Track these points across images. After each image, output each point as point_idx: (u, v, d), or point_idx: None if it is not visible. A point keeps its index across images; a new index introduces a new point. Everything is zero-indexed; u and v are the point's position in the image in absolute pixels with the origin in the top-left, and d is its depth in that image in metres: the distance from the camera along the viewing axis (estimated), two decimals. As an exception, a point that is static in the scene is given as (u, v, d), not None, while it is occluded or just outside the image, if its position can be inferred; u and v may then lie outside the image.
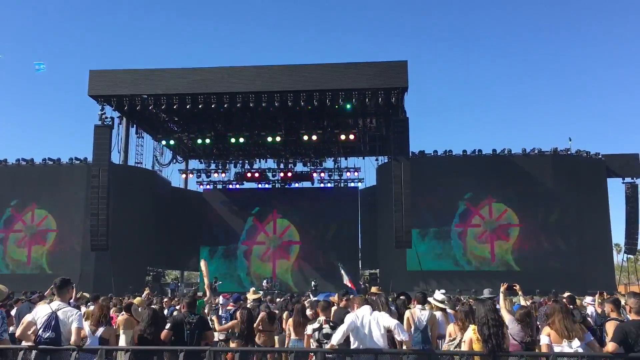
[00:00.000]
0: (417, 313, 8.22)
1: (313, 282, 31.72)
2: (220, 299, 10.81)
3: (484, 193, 33.73)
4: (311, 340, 7.58)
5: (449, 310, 8.97)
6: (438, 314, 8.64)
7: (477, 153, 34.54)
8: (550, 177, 33.56)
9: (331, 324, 7.63)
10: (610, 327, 6.95)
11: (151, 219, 35.22)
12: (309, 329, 7.66)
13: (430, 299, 8.99)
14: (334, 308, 11.42)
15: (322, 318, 7.68)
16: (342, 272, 15.20)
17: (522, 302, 8.71)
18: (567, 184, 33.40)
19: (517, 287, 8.47)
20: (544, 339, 6.11)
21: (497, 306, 7.19)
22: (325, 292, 16.73)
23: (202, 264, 10.51)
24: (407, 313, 8.30)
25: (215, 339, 8.73)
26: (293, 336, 9.44)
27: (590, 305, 12.26)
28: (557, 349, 5.94)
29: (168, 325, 7.45)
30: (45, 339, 6.20)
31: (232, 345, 8.74)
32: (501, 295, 7.81)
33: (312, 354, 7.32)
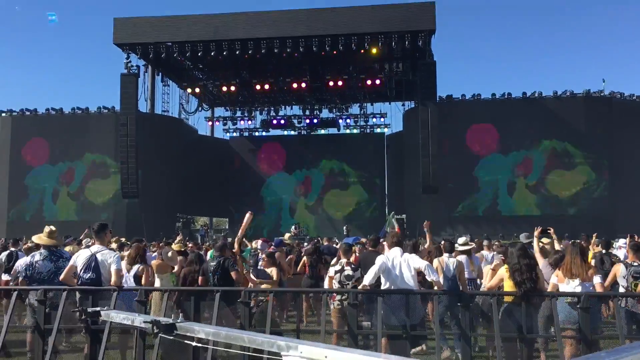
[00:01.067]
0: (446, 260, 8.31)
1: (345, 227, 32.36)
2: (259, 244, 10.94)
3: (515, 137, 33.30)
4: (333, 281, 7.74)
5: (474, 254, 9.06)
6: (462, 257, 8.72)
7: (506, 96, 33.85)
8: (583, 119, 32.82)
9: (352, 266, 7.76)
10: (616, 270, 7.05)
11: (179, 167, 35.67)
12: (331, 270, 7.82)
13: (456, 245, 9.08)
14: (356, 251, 11.69)
15: (343, 260, 7.83)
16: (394, 221, 15.44)
17: (557, 247, 8.72)
18: (601, 126, 32.66)
19: (552, 230, 8.47)
20: (552, 279, 6.34)
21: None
22: (354, 237, 16.96)
23: (247, 215, 10.61)
24: (435, 261, 8.38)
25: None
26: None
27: (622, 248, 12.21)
28: (560, 288, 6.17)
29: (202, 272, 7.76)
30: (86, 279, 6.48)
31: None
32: (535, 239, 7.83)
33: (335, 294, 7.47)
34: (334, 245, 14.58)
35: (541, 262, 7.33)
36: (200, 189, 37.46)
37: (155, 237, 24.64)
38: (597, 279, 6.12)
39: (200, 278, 7.73)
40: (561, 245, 8.89)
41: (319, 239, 20.43)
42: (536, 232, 7.90)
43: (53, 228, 7.37)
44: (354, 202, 38.16)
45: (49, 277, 6.93)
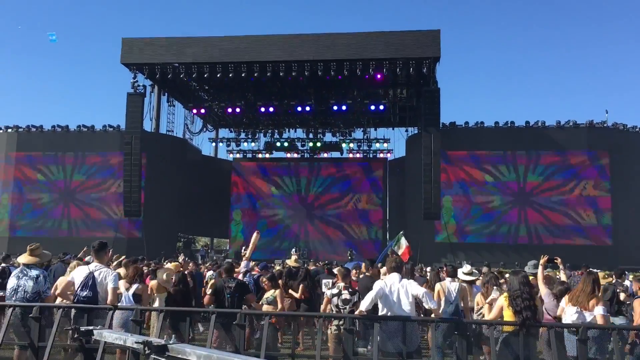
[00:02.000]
0: (448, 285, 8.24)
1: (349, 251, 32.37)
2: (243, 264, 10.91)
3: (516, 165, 33.35)
4: (329, 306, 7.67)
5: (477, 283, 8.95)
6: (464, 285, 8.63)
7: (509, 125, 33.95)
8: (585, 150, 32.87)
9: (350, 290, 7.71)
10: (637, 305, 6.95)
11: (182, 186, 35.72)
12: (328, 293, 7.76)
13: (459, 273, 8.99)
14: (357, 276, 11.58)
15: (341, 284, 7.78)
16: (403, 241, 15.14)
17: (563, 277, 8.57)
18: (603, 157, 32.69)
19: (559, 260, 8.32)
20: (561, 303, 6.42)
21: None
22: (355, 261, 16.86)
23: (255, 234, 10.60)
24: (437, 286, 8.33)
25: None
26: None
27: (628, 281, 12.16)
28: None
29: (209, 291, 7.71)
30: (83, 297, 6.45)
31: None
32: (540, 268, 7.73)
33: (332, 319, 7.41)
34: (318, 267, 14.56)
35: (544, 291, 7.26)
36: (202, 209, 37.45)
37: (156, 256, 24.58)
38: (599, 310, 6.05)
39: (207, 297, 7.69)
40: (564, 275, 8.77)
41: (319, 262, 20.38)
42: (542, 260, 7.81)
43: (35, 245, 7.20)
44: (356, 226, 38.06)
45: (33, 298, 6.78)
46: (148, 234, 32.02)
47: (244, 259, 11.35)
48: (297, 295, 10.16)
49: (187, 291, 7.99)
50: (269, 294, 8.57)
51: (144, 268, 12.94)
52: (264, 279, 8.88)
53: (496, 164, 33.66)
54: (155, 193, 33.29)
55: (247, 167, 40.45)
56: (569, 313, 6.19)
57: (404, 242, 15.30)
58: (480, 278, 8.75)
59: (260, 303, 8.48)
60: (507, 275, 7.41)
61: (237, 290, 7.60)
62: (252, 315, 7.48)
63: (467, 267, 8.92)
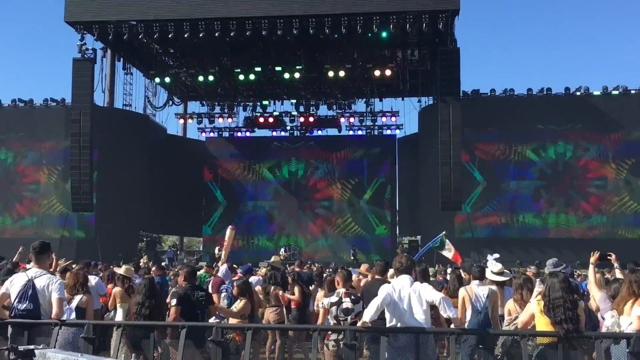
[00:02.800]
0: (475, 290, 8.20)
1: (352, 249, 32.50)
2: (221, 270, 10.92)
3: (555, 141, 33.51)
4: (328, 317, 7.68)
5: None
6: (494, 287, 8.61)
7: (545, 92, 33.98)
8: (638, 120, 33.03)
9: (352, 297, 7.72)
10: None
11: (144, 174, 35.66)
12: (325, 302, 7.77)
13: (487, 272, 8.98)
14: (361, 280, 11.62)
15: (341, 290, 7.77)
16: (447, 242, 15.44)
17: (619, 276, 8.57)
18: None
19: (613, 257, 8.26)
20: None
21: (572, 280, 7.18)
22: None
23: (228, 230, 10.62)
24: (461, 291, 8.27)
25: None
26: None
27: None
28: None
29: (174, 301, 7.58)
30: (22, 311, 6.40)
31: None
32: (591, 267, 7.70)
33: (330, 332, 7.42)
34: (308, 270, 14.62)
35: (598, 295, 7.28)
36: (168, 201, 37.43)
37: (113, 260, 24.56)
38: (636, 311, 6.11)
39: (173, 308, 7.64)
40: (621, 275, 8.75)
41: (310, 264, 20.44)
42: (592, 258, 7.78)
43: None
44: (360, 219, 38.16)
45: None
46: (102, 232, 31.99)
47: (220, 262, 11.38)
48: (295, 297, 10.23)
49: (157, 304, 7.99)
50: (235, 304, 8.63)
51: (101, 273, 12.98)
52: (235, 285, 8.94)
53: (529, 140, 33.76)
54: (110, 182, 33.24)
55: (223, 148, 40.40)
56: (624, 325, 6.21)
57: (449, 245, 15.77)
58: (513, 280, 8.76)
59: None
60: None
61: (208, 303, 7.63)
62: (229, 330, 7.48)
63: (496, 265, 8.88)
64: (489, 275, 8.74)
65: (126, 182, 34.23)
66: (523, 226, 33.55)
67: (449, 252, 15.14)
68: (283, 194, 38.94)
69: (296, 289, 10.36)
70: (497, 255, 9.21)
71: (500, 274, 8.75)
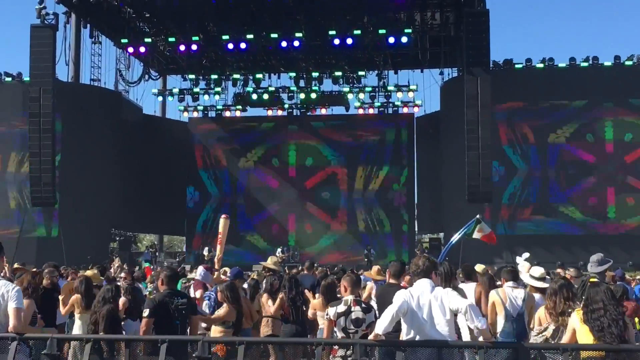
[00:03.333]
0: (509, 293, 8.22)
1: (367, 248, 32.51)
2: (199, 271, 10.91)
3: (605, 121, 33.47)
4: (335, 329, 7.68)
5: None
6: (537, 296, 8.59)
7: (592, 62, 33.83)
8: None
9: (364, 305, 7.71)
10: None
11: (116, 162, 35.63)
12: (331, 311, 7.75)
13: (523, 275, 8.96)
14: (369, 284, 11.60)
15: (349, 297, 7.75)
16: (480, 225, 15.48)
17: None
18: None
19: None
20: None
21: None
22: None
23: (222, 221, 10.62)
24: (492, 295, 8.29)
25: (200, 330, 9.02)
26: (322, 323, 9.62)
27: None
28: None
29: (146, 312, 7.59)
30: (-29, 323, 6.41)
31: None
32: None
33: (336, 347, 7.43)
34: (316, 275, 14.62)
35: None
36: (145, 193, 37.44)
37: (81, 263, 24.62)
38: None
39: (144, 321, 7.65)
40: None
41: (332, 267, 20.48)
42: None
43: None
44: (371, 214, 38.14)
45: None
46: (67, 230, 31.91)
47: (216, 259, 11.37)
48: (270, 310, 10.23)
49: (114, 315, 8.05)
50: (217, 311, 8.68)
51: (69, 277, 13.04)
52: (220, 289, 8.97)
53: (573, 120, 33.63)
54: (76, 172, 33.26)
55: (209, 130, 40.43)
56: None
57: (485, 228, 15.87)
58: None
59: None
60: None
61: (191, 312, 7.64)
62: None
63: (537, 269, 8.84)
64: (528, 280, 8.72)
65: (95, 171, 34.21)
66: (566, 221, 33.40)
67: (479, 233, 15.11)
68: (281, 184, 38.92)
69: (278, 298, 10.35)
70: (526, 255, 9.18)
71: (542, 279, 8.72)
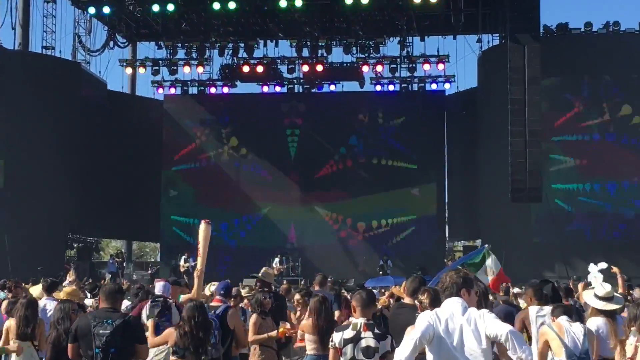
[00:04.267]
0: (566, 326, 8.17)
1: (383, 259, 32.46)
2: (157, 286, 10.95)
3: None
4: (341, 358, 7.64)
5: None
6: (600, 321, 8.54)
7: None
8: None
9: (376, 331, 7.67)
10: None
11: (73, 150, 35.61)
12: (336, 337, 7.73)
13: (586, 295, 8.88)
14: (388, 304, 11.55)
15: (360, 320, 7.71)
16: (491, 260, 15.07)
17: None
18: None
19: None
20: None
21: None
22: (381, 277, 16.91)
23: (202, 226, 10.61)
24: (543, 330, 8.29)
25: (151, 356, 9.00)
26: (311, 349, 9.60)
27: None
28: None
29: (70, 337, 7.71)
30: None
31: None
32: None
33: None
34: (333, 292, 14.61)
35: None
36: (110, 190, 37.45)
37: (30, 275, 24.60)
38: None
39: (69, 346, 7.73)
40: None
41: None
42: None
43: None
44: (391, 216, 38.10)
45: None
46: (12, 236, 31.96)
47: (196, 273, 11.35)
48: (273, 334, 10.27)
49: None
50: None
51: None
52: (184, 298, 8.96)
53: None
54: (23, 163, 33.37)
55: (190, 111, 40.45)
56: None
57: (493, 263, 15.30)
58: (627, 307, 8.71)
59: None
60: None
61: (118, 339, 7.51)
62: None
63: (604, 287, 8.74)
64: (591, 301, 8.63)
65: (47, 162, 34.17)
66: (636, 224, 33.27)
67: (486, 276, 14.76)
68: (279, 179, 38.91)
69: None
70: (603, 265, 9.08)
71: (608, 298, 8.62)
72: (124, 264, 38.42)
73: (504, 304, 12.61)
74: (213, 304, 10.57)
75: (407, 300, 8.80)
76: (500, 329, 6.06)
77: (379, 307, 10.95)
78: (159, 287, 10.67)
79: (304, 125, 39.36)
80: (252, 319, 10.61)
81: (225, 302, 10.52)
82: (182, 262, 31.82)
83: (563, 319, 8.24)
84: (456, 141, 38.77)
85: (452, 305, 6.22)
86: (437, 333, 6.09)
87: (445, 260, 34.69)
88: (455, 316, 6.15)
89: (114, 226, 40.15)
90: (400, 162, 38.52)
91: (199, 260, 10.86)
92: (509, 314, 9.89)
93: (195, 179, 39.48)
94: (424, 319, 6.22)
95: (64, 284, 15.29)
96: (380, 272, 32.60)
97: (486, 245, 15.56)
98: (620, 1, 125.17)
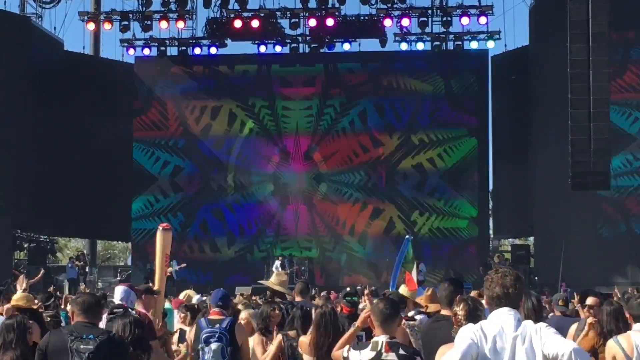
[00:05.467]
0: (635, 340, 8.14)
1: (416, 265, 32.34)
2: (117, 291, 10.84)
3: None
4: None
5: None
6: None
7: None
8: None
9: (402, 351, 7.63)
10: None
11: (22, 126, 35.65)
12: (354, 357, 7.72)
13: None
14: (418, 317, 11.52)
15: (381, 339, 7.67)
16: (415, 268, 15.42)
17: None
18: None
19: None
20: None
21: None
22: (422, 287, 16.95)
23: (159, 234, 10.59)
24: (610, 345, 8.26)
25: None
26: None
27: None
28: None
29: (38, 356, 7.71)
30: None
31: None
32: None
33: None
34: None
35: None
36: (68, 178, 37.50)
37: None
38: None
39: None
40: None
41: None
42: None
43: None
44: (421, 207, 38.12)
45: None
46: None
47: (157, 281, 11.36)
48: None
49: None
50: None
51: None
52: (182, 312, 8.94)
53: None
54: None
55: (169, 77, 40.50)
56: None
57: (415, 269, 15.67)
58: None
59: None
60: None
61: (105, 353, 7.57)
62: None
63: None
64: None
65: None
66: None
67: (407, 286, 14.65)
68: (279, 162, 38.97)
69: (276, 343, 10.34)
70: None
71: None
72: (87, 269, 38.51)
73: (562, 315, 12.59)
74: (213, 317, 10.56)
75: (444, 312, 8.78)
76: (562, 346, 6.00)
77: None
78: (119, 293, 10.50)
79: (312, 95, 39.30)
80: (255, 339, 10.59)
81: (226, 314, 10.52)
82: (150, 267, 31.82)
83: (637, 327, 8.23)
84: (502, 114, 38.73)
85: (502, 318, 6.14)
86: (482, 353, 6.03)
87: (490, 260, 34.59)
88: (505, 332, 6.09)
89: (73, 222, 40.20)
90: (431, 140, 38.48)
91: (157, 273, 10.78)
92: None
93: (177, 165, 39.47)
94: (466, 335, 6.15)
95: (19, 290, 15.19)
96: (417, 276, 32.48)
97: (407, 236, 15.84)
98: None
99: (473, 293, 10.42)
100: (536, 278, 32.43)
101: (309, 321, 9.64)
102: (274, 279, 13.05)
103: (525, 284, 6.80)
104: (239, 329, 10.02)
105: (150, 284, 11.72)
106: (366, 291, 18.31)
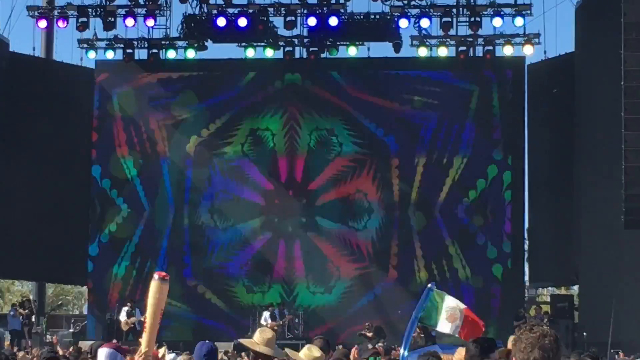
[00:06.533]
0: None
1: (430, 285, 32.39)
2: (100, 354, 10.83)
3: None
4: None
5: None
6: None
7: None
8: None
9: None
10: None
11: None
12: None
13: None
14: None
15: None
16: (447, 301, 15.31)
17: None
18: None
19: None
20: None
21: None
22: (442, 344, 16.98)
23: (154, 283, 10.59)
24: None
25: None
26: None
27: None
28: None
29: None
30: None
31: None
32: None
33: None
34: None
35: None
36: (12, 205, 37.57)
37: None
38: None
39: None
40: None
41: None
42: None
43: None
44: (440, 247, 38.17)
45: None
46: None
47: (142, 349, 11.37)
48: None
49: None
50: None
51: None
52: None
53: None
54: None
55: (136, 85, 40.64)
56: None
57: (451, 302, 15.53)
58: None
59: None
60: None
61: None
62: None
63: None
64: None
65: None
66: None
67: (447, 323, 14.64)
68: (268, 191, 39.05)
69: None
70: None
71: None
72: (33, 318, 38.46)
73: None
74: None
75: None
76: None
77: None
78: (103, 357, 10.57)
79: (309, 109, 39.41)
80: None
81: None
82: (123, 316, 31.75)
83: None
84: (541, 135, 38.77)
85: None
86: None
87: (526, 313, 34.47)
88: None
89: (17, 261, 40.26)
90: (454, 163, 38.55)
91: (147, 329, 10.69)
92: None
93: (144, 187, 39.48)
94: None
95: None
96: (423, 335, 32.25)
97: (429, 285, 15.78)
98: None
99: (497, 353, 10.40)
100: (584, 334, 32.40)
101: None
102: (256, 337, 12.94)
103: (558, 346, 6.86)
104: None
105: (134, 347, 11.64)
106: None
